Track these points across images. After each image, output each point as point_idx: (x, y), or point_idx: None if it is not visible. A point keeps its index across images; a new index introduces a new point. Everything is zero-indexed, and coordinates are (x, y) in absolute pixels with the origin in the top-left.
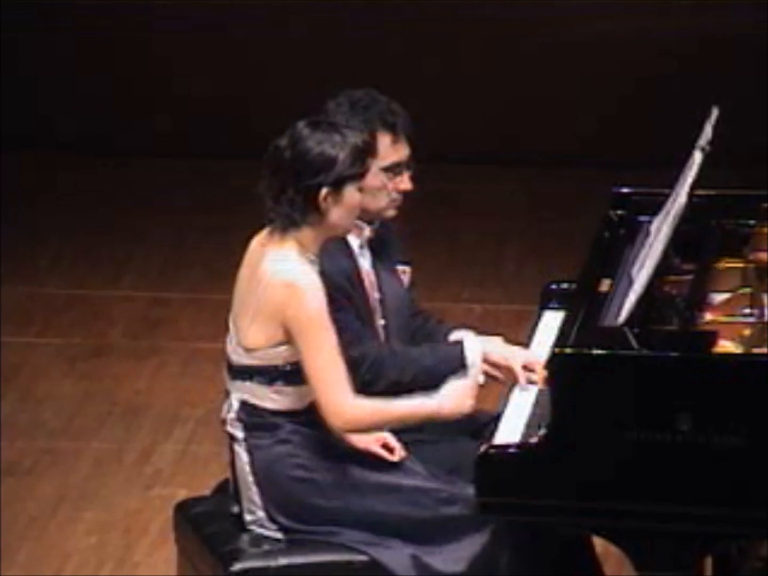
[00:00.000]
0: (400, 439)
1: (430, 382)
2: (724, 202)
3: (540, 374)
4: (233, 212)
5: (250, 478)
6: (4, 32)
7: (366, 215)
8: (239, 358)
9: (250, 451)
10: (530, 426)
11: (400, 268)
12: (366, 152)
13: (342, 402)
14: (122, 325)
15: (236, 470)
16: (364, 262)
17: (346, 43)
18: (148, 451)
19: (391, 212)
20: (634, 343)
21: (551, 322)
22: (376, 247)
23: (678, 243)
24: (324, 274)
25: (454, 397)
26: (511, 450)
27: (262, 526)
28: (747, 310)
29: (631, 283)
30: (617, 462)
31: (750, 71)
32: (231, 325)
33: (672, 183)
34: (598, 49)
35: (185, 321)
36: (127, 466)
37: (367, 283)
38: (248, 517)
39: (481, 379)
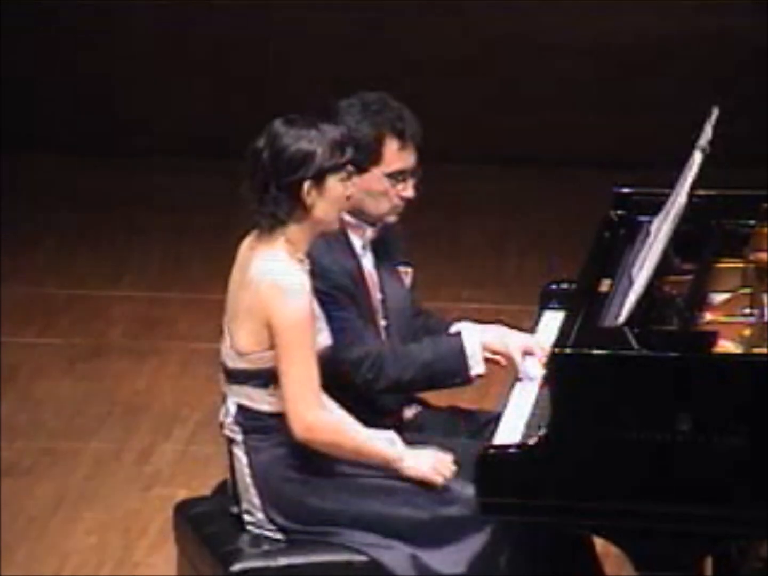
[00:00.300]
0: (404, 439)
1: (432, 378)
2: (724, 202)
3: (541, 353)
4: (233, 212)
5: (249, 480)
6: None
7: (367, 218)
8: (233, 362)
9: (248, 454)
10: (530, 426)
11: (402, 268)
12: (344, 143)
13: (306, 409)
14: (122, 325)
15: (235, 473)
16: (367, 263)
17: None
18: (148, 451)
19: (392, 218)
20: (634, 343)
21: (551, 322)
22: (378, 247)
23: (678, 243)
24: (325, 273)
25: (422, 459)
26: (511, 450)
27: (261, 527)
28: (747, 310)
29: (631, 283)
30: (617, 462)
31: (750, 71)
32: (225, 329)
33: (672, 183)
34: (599, 49)
35: (184, 321)
36: (127, 466)
37: (369, 283)
38: (247, 519)
39: (482, 369)
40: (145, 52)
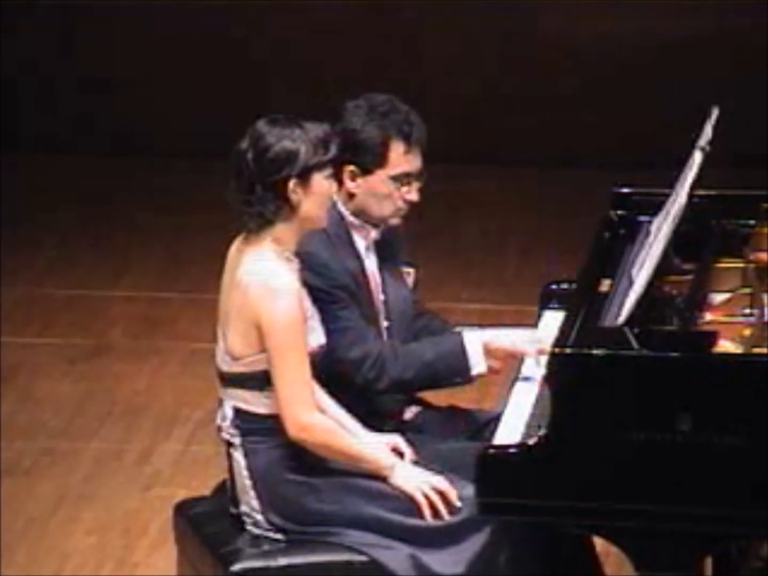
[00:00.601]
0: (407, 440)
1: (433, 377)
2: (724, 202)
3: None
4: (233, 212)
5: (248, 483)
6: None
7: (370, 220)
8: (228, 366)
9: (246, 456)
10: (530, 426)
11: (405, 269)
12: (328, 141)
13: (301, 410)
14: (122, 325)
15: (234, 475)
16: (370, 264)
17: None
18: (148, 451)
19: (395, 220)
20: (634, 343)
21: (551, 322)
22: (381, 248)
23: (678, 243)
24: (328, 272)
25: (414, 474)
26: (511, 450)
27: (261, 529)
28: (747, 310)
29: (631, 283)
30: (617, 462)
31: (750, 71)
32: (219, 333)
33: (672, 183)
34: (599, 49)
35: (185, 321)
36: (127, 466)
37: (372, 284)
38: (247, 520)
39: (484, 369)
40: (146, 52)
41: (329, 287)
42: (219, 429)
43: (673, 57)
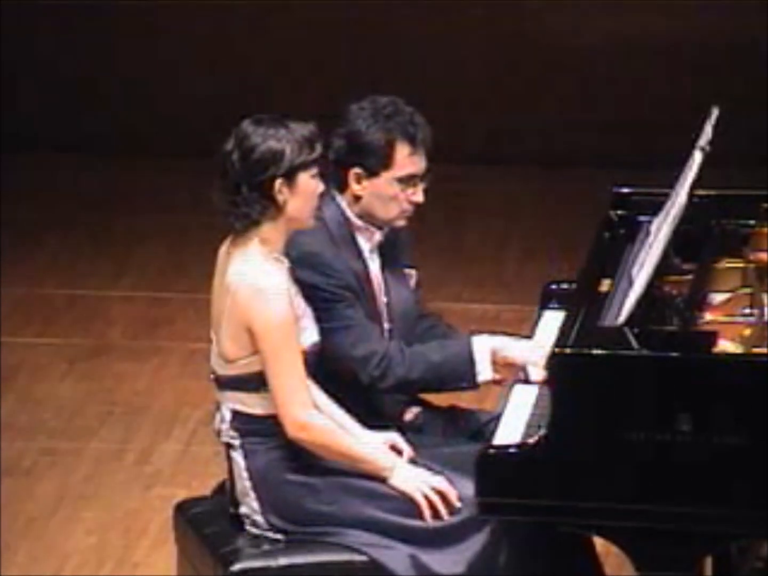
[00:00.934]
0: (407, 440)
1: (438, 379)
2: (724, 202)
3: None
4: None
5: (248, 484)
6: (6, 33)
7: (375, 222)
8: (223, 369)
9: (246, 457)
10: (530, 426)
11: (407, 270)
12: (314, 140)
13: (299, 410)
14: (122, 325)
15: (234, 477)
16: (374, 266)
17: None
18: (148, 451)
19: (400, 222)
20: (634, 343)
21: (551, 322)
22: (385, 250)
23: (678, 243)
24: (332, 272)
25: (413, 475)
26: (511, 450)
27: (261, 530)
28: (747, 310)
29: (631, 283)
30: (617, 462)
31: (750, 71)
32: (212, 337)
33: (672, 183)
34: (599, 50)
35: (185, 321)
36: (127, 466)
37: (375, 286)
38: (247, 522)
39: (490, 375)
40: (146, 52)
41: (333, 286)
42: (218, 432)
43: (672, 57)
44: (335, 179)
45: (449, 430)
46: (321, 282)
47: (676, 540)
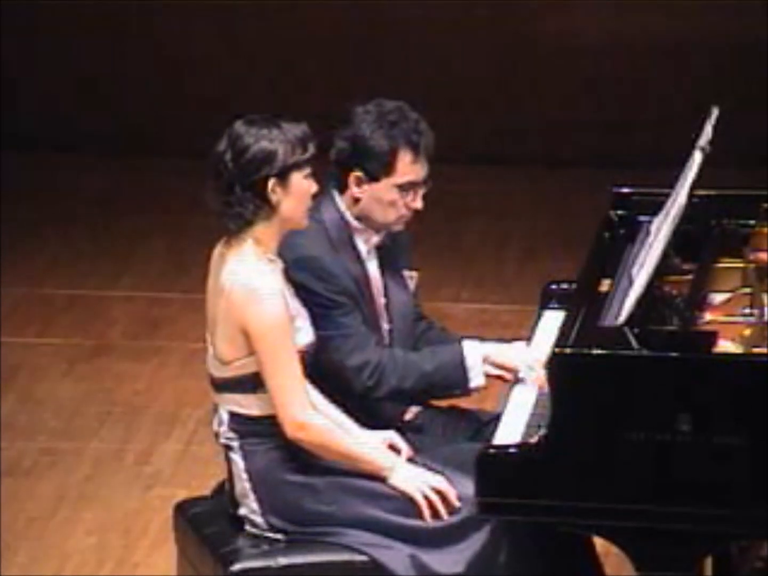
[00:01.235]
0: (407, 440)
1: (431, 387)
2: (724, 202)
3: (540, 373)
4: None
5: (247, 485)
6: (6, 33)
7: (373, 225)
8: (219, 371)
9: (245, 458)
10: (530, 426)
11: (407, 273)
12: (306, 140)
13: (298, 410)
14: (122, 325)
15: (233, 478)
16: (372, 267)
17: (344, 44)
18: (148, 451)
19: (397, 227)
20: (634, 343)
21: (551, 322)
22: (383, 252)
23: (678, 243)
24: (331, 278)
25: (413, 475)
26: (511, 450)
27: (261, 531)
28: (747, 310)
29: (631, 283)
30: (617, 462)
31: (750, 71)
32: (208, 339)
33: (672, 183)
34: (600, 50)
35: (185, 321)
36: (127, 466)
37: (373, 287)
38: (246, 523)
39: (482, 382)
40: (149, 52)
41: (332, 293)
42: (216, 435)
43: (673, 57)
44: (335, 180)
45: (449, 430)
46: (318, 287)
47: (676, 540)
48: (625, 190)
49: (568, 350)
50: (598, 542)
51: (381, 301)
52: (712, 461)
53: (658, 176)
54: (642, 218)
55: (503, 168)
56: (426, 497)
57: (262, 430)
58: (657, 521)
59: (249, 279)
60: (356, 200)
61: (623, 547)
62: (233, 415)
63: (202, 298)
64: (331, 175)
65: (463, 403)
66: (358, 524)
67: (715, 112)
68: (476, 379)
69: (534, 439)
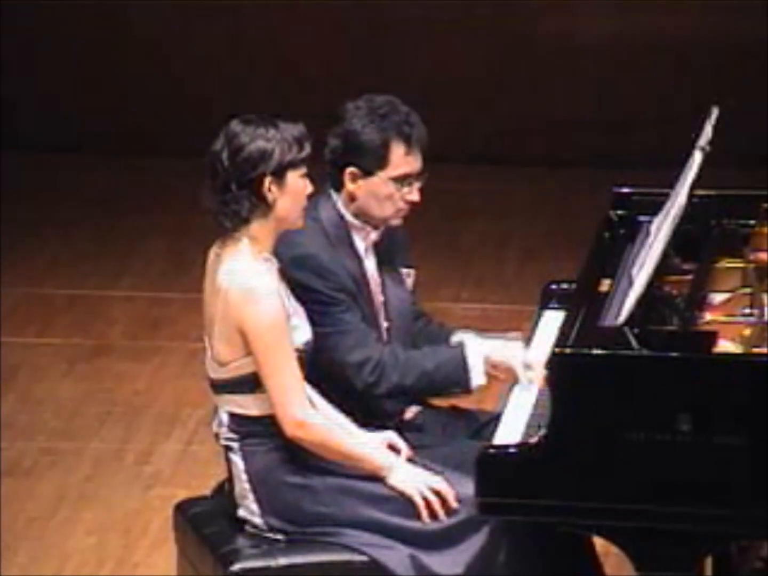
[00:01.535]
0: (406, 440)
1: (432, 386)
2: (724, 202)
3: (540, 374)
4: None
5: (247, 486)
6: (6, 33)
7: (371, 221)
8: (217, 373)
9: (245, 459)
10: (530, 426)
11: (405, 270)
12: (303, 140)
13: (297, 409)
14: (122, 325)
15: (233, 479)
16: (370, 265)
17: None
18: (148, 451)
19: (395, 221)
20: (634, 343)
21: (551, 322)
22: (381, 249)
23: (678, 243)
24: (329, 275)
25: (412, 475)
26: (511, 450)
27: (260, 531)
28: (747, 310)
29: (631, 283)
30: (617, 462)
31: (750, 71)
32: (205, 340)
33: (672, 183)
34: (602, 50)
35: (185, 321)
36: (127, 466)
37: (372, 285)
38: (246, 524)
39: (483, 380)
40: (147, 53)
41: (331, 290)
42: (216, 436)
43: (673, 57)
44: (331, 179)
45: (449, 430)
46: (317, 284)
47: (676, 540)
48: (625, 190)
49: (568, 350)
50: (598, 542)
51: (379, 298)
52: (712, 461)
53: (658, 176)
54: (642, 218)
55: (503, 168)
56: (424, 498)
57: (262, 431)
58: (657, 521)
59: (245, 279)
60: (353, 197)
61: (623, 547)
62: (233, 416)
63: (202, 298)
64: (327, 175)
65: (463, 402)
66: (358, 525)
67: (715, 112)
68: (477, 378)
69: (534, 439)
